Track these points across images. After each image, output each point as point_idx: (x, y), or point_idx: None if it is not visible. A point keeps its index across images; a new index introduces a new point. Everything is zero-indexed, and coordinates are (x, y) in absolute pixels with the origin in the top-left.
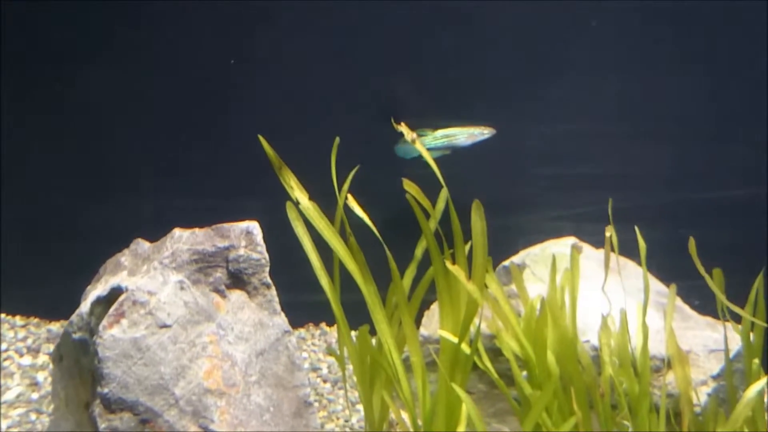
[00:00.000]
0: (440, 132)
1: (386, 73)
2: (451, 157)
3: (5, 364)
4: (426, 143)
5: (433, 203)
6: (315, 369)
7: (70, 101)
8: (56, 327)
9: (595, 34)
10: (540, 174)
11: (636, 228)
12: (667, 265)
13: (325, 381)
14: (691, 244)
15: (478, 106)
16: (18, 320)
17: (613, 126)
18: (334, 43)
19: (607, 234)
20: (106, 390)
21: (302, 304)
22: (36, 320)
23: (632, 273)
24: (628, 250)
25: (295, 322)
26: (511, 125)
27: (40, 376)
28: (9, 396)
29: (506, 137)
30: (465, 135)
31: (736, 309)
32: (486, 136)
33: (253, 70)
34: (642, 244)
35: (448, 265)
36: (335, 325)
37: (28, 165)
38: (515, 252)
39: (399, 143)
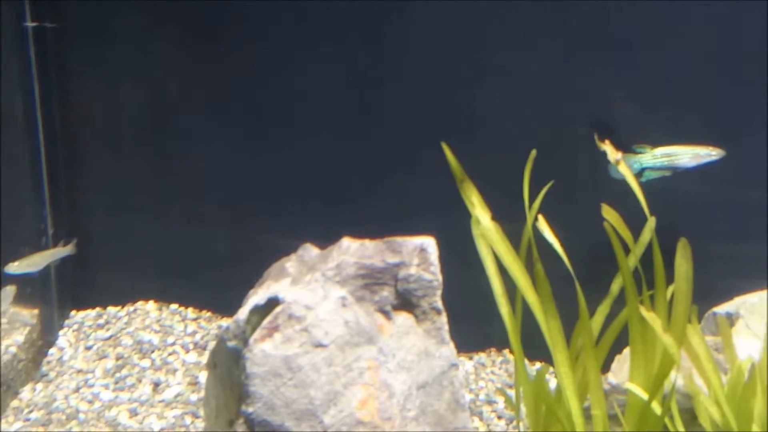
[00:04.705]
0: (660, 150)
1: (600, 81)
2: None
3: (169, 359)
4: (644, 162)
5: None
6: (491, 402)
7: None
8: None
9: None
10: None
11: None
12: None
13: (500, 417)
14: None
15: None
16: (190, 312)
17: None
18: (539, 46)
19: None
20: (251, 410)
21: (487, 326)
22: (208, 314)
23: None
24: None
25: (476, 345)
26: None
27: (203, 376)
28: (168, 395)
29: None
30: (689, 155)
31: None
32: (714, 158)
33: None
34: None
35: (643, 310)
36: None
37: (217, 159)
38: (730, 296)
39: (612, 161)
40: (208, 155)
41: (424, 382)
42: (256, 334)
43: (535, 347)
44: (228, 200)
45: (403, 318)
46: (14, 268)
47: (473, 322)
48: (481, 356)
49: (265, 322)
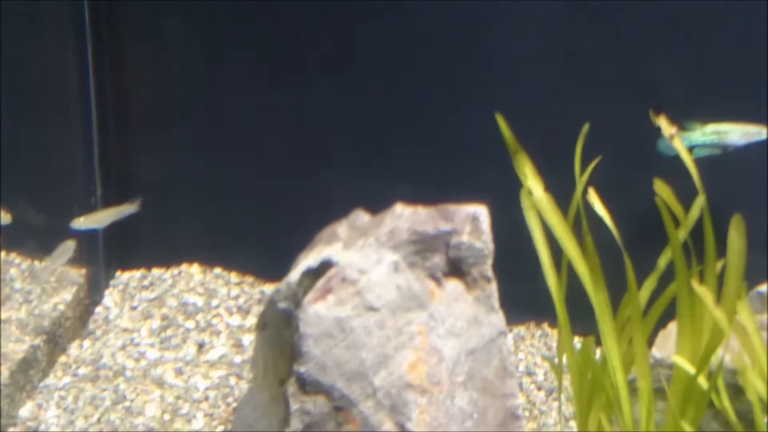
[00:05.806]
0: (710, 127)
1: (651, 55)
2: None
3: (213, 321)
4: (693, 139)
5: None
6: (530, 374)
7: None
8: (270, 289)
9: None
10: None
11: None
12: None
13: (539, 389)
14: None
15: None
16: (233, 277)
17: None
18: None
19: None
20: (302, 369)
21: (526, 299)
22: (251, 279)
23: None
24: None
25: (516, 318)
26: None
27: (246, 339)
28: (212, 356)
29: None
30: (739, 133)
31: None
32: (764, 137)
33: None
34: None
35: (694, 284)
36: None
37: (264, 129)
38: None
39: (661, 137)
40: (256, 123)
41: (472, 349)
42: (310, 296)
43: (571, 322)
44: (274, 170)
45: (454, 285)
46: (80, 223)
47: (512, 295)
48: (521, 329)
49: (319, 284)
